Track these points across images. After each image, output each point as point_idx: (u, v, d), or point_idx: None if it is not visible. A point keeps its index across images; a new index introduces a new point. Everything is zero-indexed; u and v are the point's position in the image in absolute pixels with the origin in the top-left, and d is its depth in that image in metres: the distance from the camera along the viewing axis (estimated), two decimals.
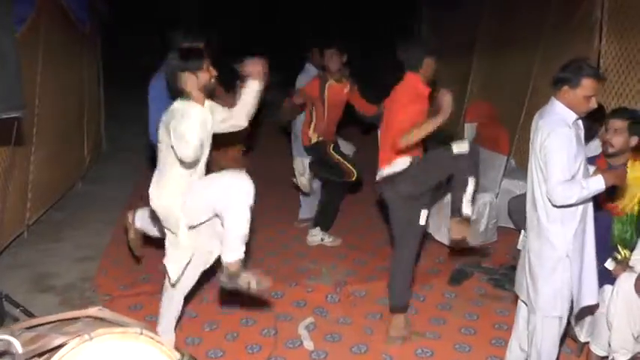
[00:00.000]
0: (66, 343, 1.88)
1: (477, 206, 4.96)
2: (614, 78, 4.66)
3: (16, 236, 5.05)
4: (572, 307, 3.01)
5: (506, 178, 5.12)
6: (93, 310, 2.10)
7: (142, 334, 1.98)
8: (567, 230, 2.87)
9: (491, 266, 4.69)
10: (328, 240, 5.20)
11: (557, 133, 2.77)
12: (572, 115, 2.85)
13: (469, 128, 5.91)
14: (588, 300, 3.00)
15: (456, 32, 8.14)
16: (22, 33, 4.61)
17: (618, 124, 3.24)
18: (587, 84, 2.78)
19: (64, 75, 6.35)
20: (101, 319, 2.09)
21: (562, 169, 2.76)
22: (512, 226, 4.83)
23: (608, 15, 4.73)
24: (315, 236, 5.19)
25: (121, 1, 9.01)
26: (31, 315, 3.33)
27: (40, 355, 1.92)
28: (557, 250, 2.89)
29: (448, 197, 4.84)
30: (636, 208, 3.34)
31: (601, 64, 4.79)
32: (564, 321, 3.01)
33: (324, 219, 5.20)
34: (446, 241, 4.89)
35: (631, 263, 3.18)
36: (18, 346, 1.84)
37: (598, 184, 2.76)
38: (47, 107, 5.59)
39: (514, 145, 5.80)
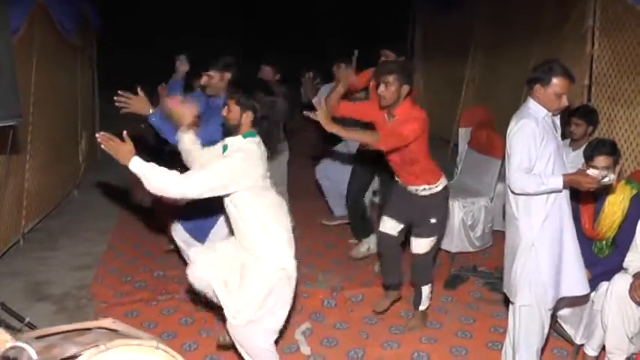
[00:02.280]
0: (81, 354, 1.87)
1: (473, 211, 4.98)
2: (606, 82, 4.70)
3: (11, 245, 5.05)
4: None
5: (500, 182, 5.12)
6: (106, 322, 2.10)
7: (157, 347, 1.97)
8: (534, 220, 2.99)
9: (487, 270, 4.71)
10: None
11: (521, 125, 2.93)
12: (543, 111, 2.98)
13: (463, 133, 5.93)
14: (567, 291, 3.08)
15: (450, 37, 8.19)
16: (16, 43, 4.62)
17: (603, 161, 3.27)
18: (557, 82, 2.92)
19: (58, 83, 6.35)
20: (114, 331, 2.08)
21: (521, 158, 2.91)
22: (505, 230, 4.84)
23: (600, 21, 4.77)
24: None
25: (117, 11, 9.01)
26: (24, 322, 3.33)
27: None
28: (523, 239, 3.01)
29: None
30: (615, 232, 3.43)
31: (594, 69, 4.83)
32: (543, 311, 3.07)
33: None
34: (444, 247, 4.94)
35: (625, 265, 3.20)
36: (33, 354, 1.82)
37: (556, 183, 2.90)
38: (41, 116, 5.60)
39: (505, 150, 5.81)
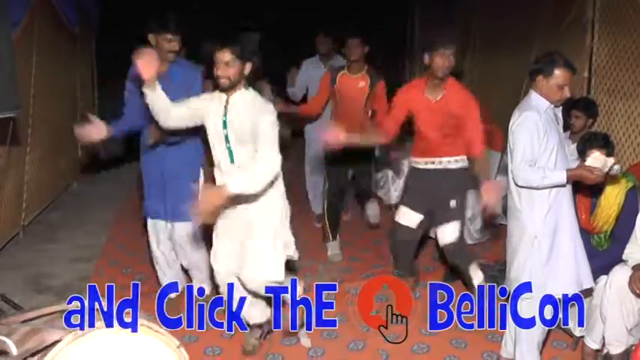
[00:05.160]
0: (60, 340, 1.87)
1: (472, 204, 4.98)
2: (605, 75, 4.69)
3: (11, 237, 5.05)
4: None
5: (500, 175, 5.13)
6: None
7: (141, 324, 1.97)
8: (537, 212, 3.00)
9: (487, 263, 4.71)
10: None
11: (524, 117, 2.94)
12: (545, 103, 2.99)
13: None
14: (560, 288, 3.07)
15: (449, 32, 8.15)
16: (17, 36, 4.61)
17: (596, 154, 3.30)
18: (559, 73, 2.93)
19: (58, 76, 6.36)
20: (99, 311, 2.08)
21: (524, 151, 2.92)
22: (507, 222, 4.84)
23: (599, 13, 4.76)
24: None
25: (117, 5, 8.96)
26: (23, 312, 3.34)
27: (35, 353, 1.92)
28: (526, 231, 3.02)
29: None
30: (611, 226, 3.47)
31: (593, 62, 4.82)
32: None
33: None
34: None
35: (624, 257, 3.21)
36: (13, 349, 1.84)
37: (560, 177, 2.91)
38: (41, 108, 5.60)
39: (508, 143, 5.81)
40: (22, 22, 4.90)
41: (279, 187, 3.25)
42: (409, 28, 9.52)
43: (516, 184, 3.01)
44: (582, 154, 3.32)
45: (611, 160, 2.94)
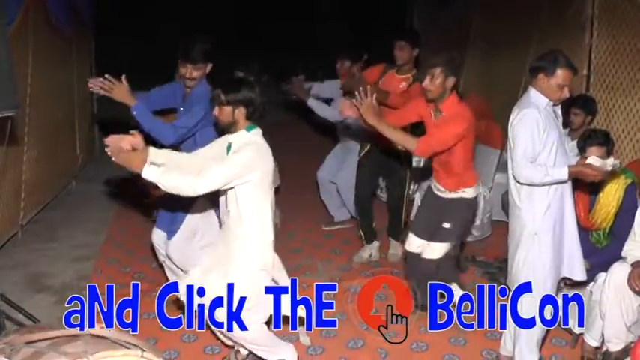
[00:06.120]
0: None
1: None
2: (604, 73, 4.69)
3: (10, 236, 5.04)
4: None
5: (499, 172, 5.14)
6: (95, 329, 2.07)
7: (142, 356, 1.96)
8: (537, 209, 3.00)
9: (487, 260, 4.72)
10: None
11: (524, 114, 2.94)
12: (545, 100, 2.98)
13: None
14: (567, 272, 3.11)
15: (449, 29, 8.16)
16: (11, 34, 4.59)
17: (596, 152, 3.32)
18: (561, 74, 2.93)
19: (54, 75, 6.32)
20: (103, 338, 2.06)
21: (525, 148, 2.92)
22: (506, 219, 4.81)
23: (599, 11, 4.76)
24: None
25: (114, 4, 8.97)
26: (22, 311, 3.34)
27: None
28: (525, 228, 3.02)
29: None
30: (610, 222, 3.48)
31: (592, 59, 4.83)
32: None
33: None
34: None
35: (623, 254, 3.21)
36: None
37: (561, 174, 2.91)
38: (38, 107, 5.58)
39: (507, 140, 5.82)
40: (15, 20, 4.86)
41: (263, 262, 3.08)
42: (408, 24, 9.51)
43: (517, 182, 3.01)
44: (582, 151, 3.33)
45: (607, 163, 2.92)
